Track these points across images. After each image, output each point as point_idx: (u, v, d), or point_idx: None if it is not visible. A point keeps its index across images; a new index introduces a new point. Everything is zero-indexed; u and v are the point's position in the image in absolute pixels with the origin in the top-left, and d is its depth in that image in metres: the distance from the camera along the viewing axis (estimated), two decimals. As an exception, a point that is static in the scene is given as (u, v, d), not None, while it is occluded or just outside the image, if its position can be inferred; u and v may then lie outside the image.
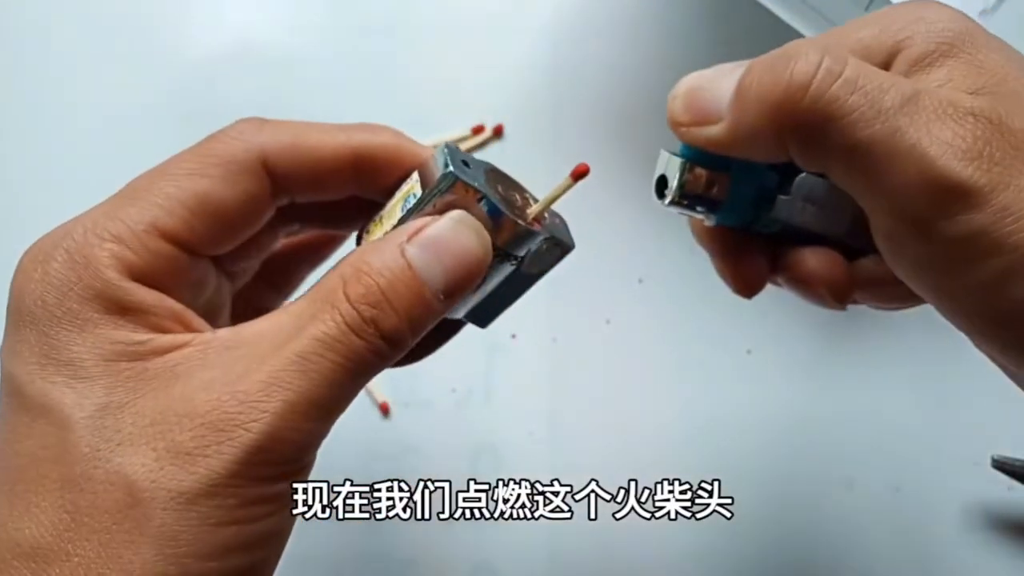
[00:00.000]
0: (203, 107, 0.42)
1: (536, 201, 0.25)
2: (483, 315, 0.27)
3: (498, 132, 0.42)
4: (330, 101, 0.42)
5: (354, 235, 0.28)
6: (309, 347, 0.21)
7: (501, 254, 0.24)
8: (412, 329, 0.22)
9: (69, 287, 0.21)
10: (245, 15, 0.43)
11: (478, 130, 0.42)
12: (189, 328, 0.22)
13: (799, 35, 0.34)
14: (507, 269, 0.24)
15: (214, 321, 0.25)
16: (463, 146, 0.42)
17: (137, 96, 0.43)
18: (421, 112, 0.42)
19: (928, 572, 0.39)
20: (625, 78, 0.42)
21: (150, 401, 0.21)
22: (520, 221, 0.23)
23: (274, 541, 0.22)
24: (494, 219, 0.23)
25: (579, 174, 0.23)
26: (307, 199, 0.25)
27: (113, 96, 0.43)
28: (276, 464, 0.21)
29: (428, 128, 0.41)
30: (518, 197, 0.24)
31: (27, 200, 0.42)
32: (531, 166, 0.41)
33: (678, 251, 0.41)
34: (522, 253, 0.24)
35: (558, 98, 0.42)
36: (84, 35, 0.43)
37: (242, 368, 0.21)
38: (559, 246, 0.25)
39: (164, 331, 0.22)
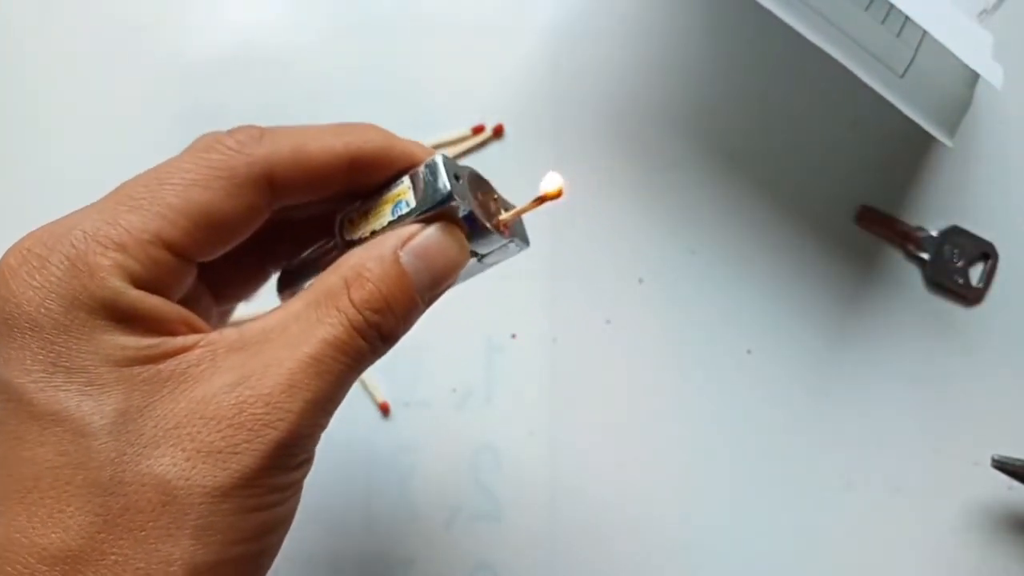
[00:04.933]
0: (203, 107, 0.42)
1: (504, 202, 0.27)
2: None
3: (498, 132, 0.42)
4: (330, 101, 0.42)
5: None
6: (321, 350, 0.22)
7: (471, 253, 0.26)
8: (405, 329, 0.25)
9: (74, 296, 0.21)
10: (245, 15, 0.43)
11: (478, 130, 0.42)
12: (193, 329, 0.23)
13: (799, 36, 0.34)
14: (470, 262, 0.27)
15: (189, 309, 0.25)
16: (464, 146, 0.42)
17: (136, 96, 0.43)
18: (421, 112, 0.42)
19: (928, 572, 0.39)
20: (625, 78, 0.42)
21: (170, 404, 0.22)
22: (494, 231, 0.26)
23: (287, 522, 0.24)
24: (472, 228, 0.25)
25: (548, 198, 0.26)
26: (299, 202, 0.26)
27: (112, 96, 0.43)
28: (296, 455, 0.23)
29: (428, 128, 0.41)
30: (492, 203, 0.27)
31: (26, 200, 0.42)
32: (531, 166, 0.42)
33: (678, 251, 0.41)
34: (487, 252, 0.27)
35: (558, 98, 0.42)
36: (83, 35, 0.43)
37: (259, 369, 0.22)
38: (519, 247, 0.27)
39: (172, 334, 0.23)
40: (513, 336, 0.40)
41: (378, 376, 0.40)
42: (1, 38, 0.43)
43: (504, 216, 0.26)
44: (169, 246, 0.23)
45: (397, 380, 0.40)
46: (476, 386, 0.40)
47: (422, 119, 0.42)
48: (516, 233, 0.27)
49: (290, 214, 0.27)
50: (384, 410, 0.40)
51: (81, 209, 0.23)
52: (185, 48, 0.43)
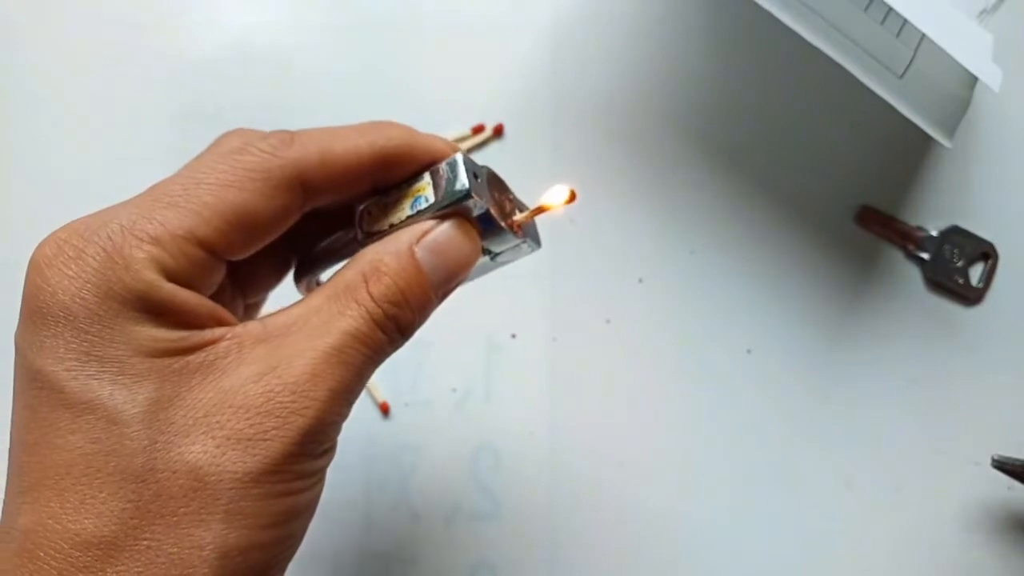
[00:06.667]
0: (203, 107, 0.42)
1: (519, 203, 0.28)
2: None
3: (498, 132, 0.42)
4: (330, 101, 0.42)
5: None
6: (343, 341, 0.23)
7: (484, 251, 0.27)
8: (420, 322, 0.26)
9: (109, 287, 0.22)
10: (245, 15, 0.43)
11: (478, 130, 0.42)
12: (221, 322, 0.24)
13: (799, 37, 0.34)
14: (482, 260, 0.27)
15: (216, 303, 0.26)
16: (464, 146, 0.42)
17: (136, 96, 0.43)
18: (421, 112, 0.42)
19: (928, 572, 0.39)
20: (625, 78, 0.42)
21: (199, 394, 0.22)
22: (508, 230, 0.26)
23: (313, 507, 0.24)
24: (487, 227, 0.26)
25: (561, 203, 0.26)
26: (329, 202, 0.27)
27: (112, 96, 0.43)
28: (322, 442, 0.23)
29: (428, 128, 0.41)
30: (507, 203, 0.27)
31: (26, 200, 0.42)
32: (531, 166, 0.42)
33: (678, 251, 0.41)
34: (499, 251, 0.27)
35: (558, 98, 0.42)
36: (82, 35, 0.43)
37: (284, 359, 0.23)
38: (531, 248, 0.28)
39: (201, 327, 0.23)
40: (513, 336, 0.40)
41: (378, 376, 0.39)
42: (1, 38, 0.43)
43: (518, 217, 0.27)
44: (202, 243, 0.23)
45: (397, 380, 0.40)
46: (476, 386, 0.40)
47: (422, 119, 0.41)
48: (529, 234, 0.27)
49: (318, 208, 0.27)
50: (384, 410, 0.40)
51: (117, 204, 0.24)
52: (185, 48, 0.43)
